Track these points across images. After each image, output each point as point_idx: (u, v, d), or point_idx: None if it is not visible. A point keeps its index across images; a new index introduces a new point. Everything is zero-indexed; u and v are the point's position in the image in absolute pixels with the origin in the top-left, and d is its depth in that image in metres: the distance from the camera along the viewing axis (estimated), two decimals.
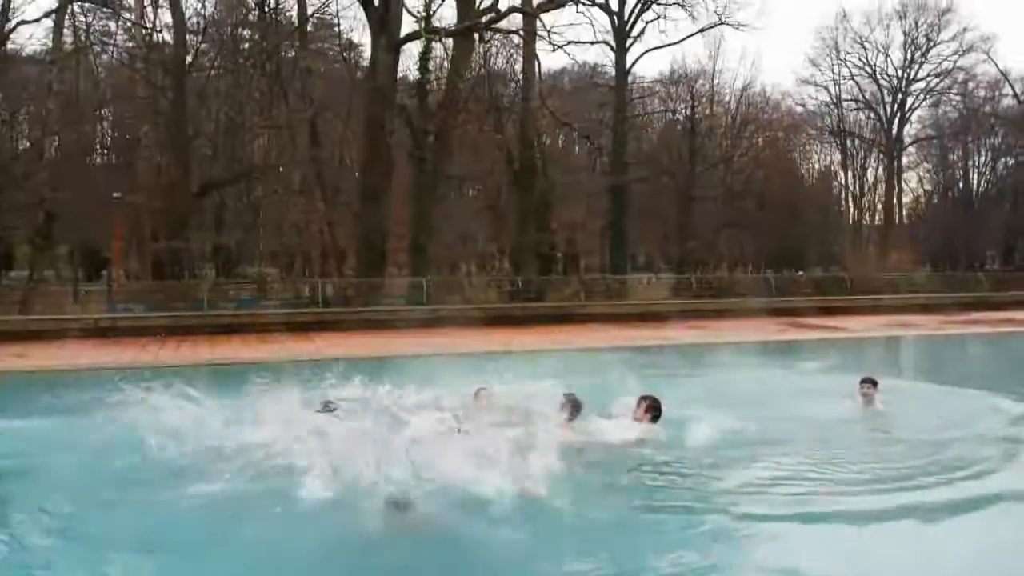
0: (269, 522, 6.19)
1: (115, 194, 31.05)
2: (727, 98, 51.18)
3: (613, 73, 42.01)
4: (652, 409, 8.56)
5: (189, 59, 32.31)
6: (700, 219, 46.26)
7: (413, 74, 34.99)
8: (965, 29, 52.87)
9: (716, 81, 49.45)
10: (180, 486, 6.77)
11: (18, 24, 29.72)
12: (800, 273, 42.68)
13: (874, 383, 9.47)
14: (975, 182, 60.27)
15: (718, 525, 6.24)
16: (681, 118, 48.42)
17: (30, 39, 36.86)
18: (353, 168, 41.42)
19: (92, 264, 43.64)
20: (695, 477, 7.44)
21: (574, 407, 8.57)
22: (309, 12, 35.23)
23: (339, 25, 40.97)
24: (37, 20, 30.32)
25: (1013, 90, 54.66)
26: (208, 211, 38.21)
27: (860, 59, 55.47)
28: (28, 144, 34.37)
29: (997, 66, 54.28)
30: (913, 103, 55.90)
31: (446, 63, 34.68)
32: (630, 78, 41.24)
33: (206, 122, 37.11)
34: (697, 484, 7.27)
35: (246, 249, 41.67)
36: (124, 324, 22.61)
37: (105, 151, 41.91)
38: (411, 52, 35.01)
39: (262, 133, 36.36)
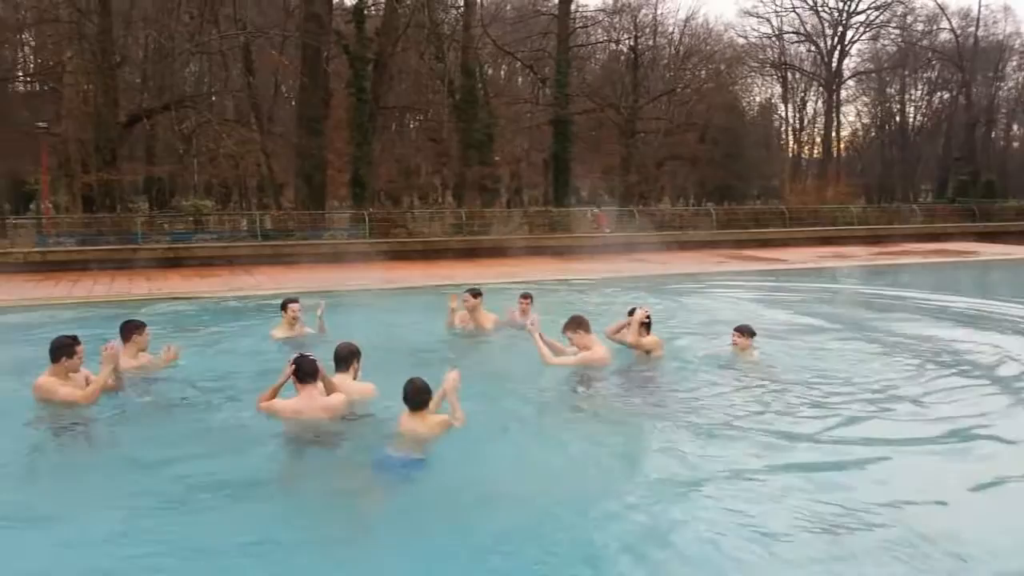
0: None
1: (39, 123, 29.75)
2: (670, 29, 51.04)
3: (556, 1, 41.26)
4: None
5: None
6: (642, 152, 46.29)
7: None
8: None
9: (659, 11, 49.29)
10: None
11: None
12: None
13: (747, 333, 9.01)
14: (911, 116, 61.43)
15: None
16: (624, 49, 48.09)
17: None
18: (289, 97, 40.37)
19: (19, 197, 42.12)
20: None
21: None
22: None
23: None
24: None
25: (950, 23, 55.47)
26: (138, 142, 36.91)
27: None
28: None
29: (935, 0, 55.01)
30: (853, 36, 56.44)
31: None
32: (572, 7, 40.60)
33: (133, 48, 35.60)
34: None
35: (180, 181, 40.53)
36: (56, 258, 21.89)
37: (28, 78, 40.03)
38: None
39: (193, 60, 35.00)
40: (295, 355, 6.59)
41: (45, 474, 5.98)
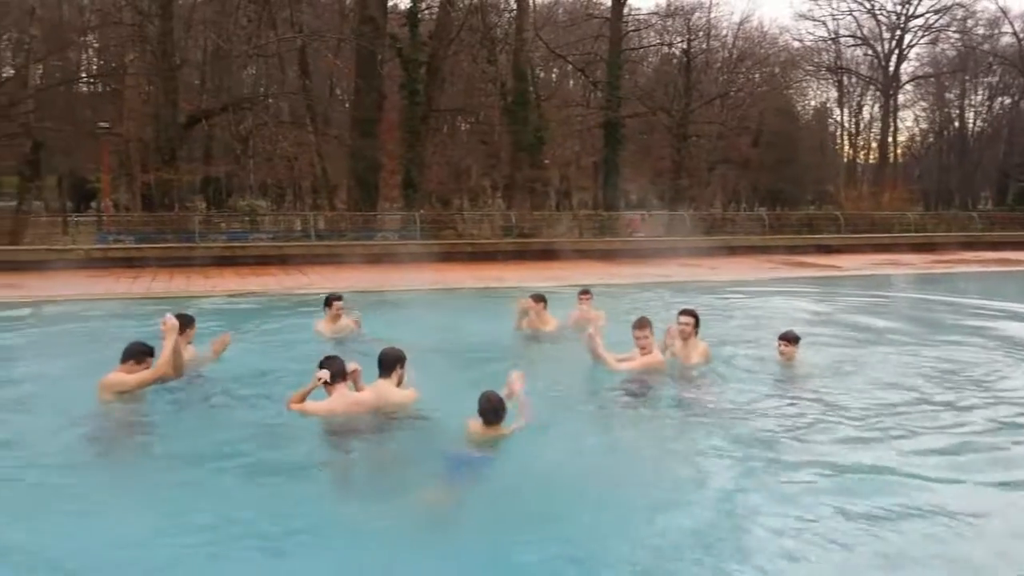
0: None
1: (101, 124, 30.57)
2: (724, 32, 50.62)
3: (609, 4, 41.20)
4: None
5: None
6: (694, 156, 45.97)
7: (404, 3, 34.32)
8: None
9: (712, 15, 48.86)
10: None
11: None
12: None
13: (793, 340, 8.90)
14: (971, 121, 60.03)
15: None
16: (677, 52, 47.79)
17: None
18: (344, 100, 40.87)
19: (80, 195, 43.34)
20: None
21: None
22: None
23: None
24: None
25: (1012, 27, 54.03)
26: (197, 142, 37.67)
27: None
28: (12, 72, 33.66)
29: (997, 2, 53.66)
30: (911, 40, 55.32)
31: None
32: (625, 10, 40.42)
33: (193, 50, 36.34)
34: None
35: (236, 181, 41.28)
36: (116, 255, 22.46)
37: (91, 80, 41.15)
38: None
39: (250, 62, 35.63)
40: (322, 360, 6.72)
41: (96, 465, 6.13)
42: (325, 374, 6.53)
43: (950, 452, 6.41)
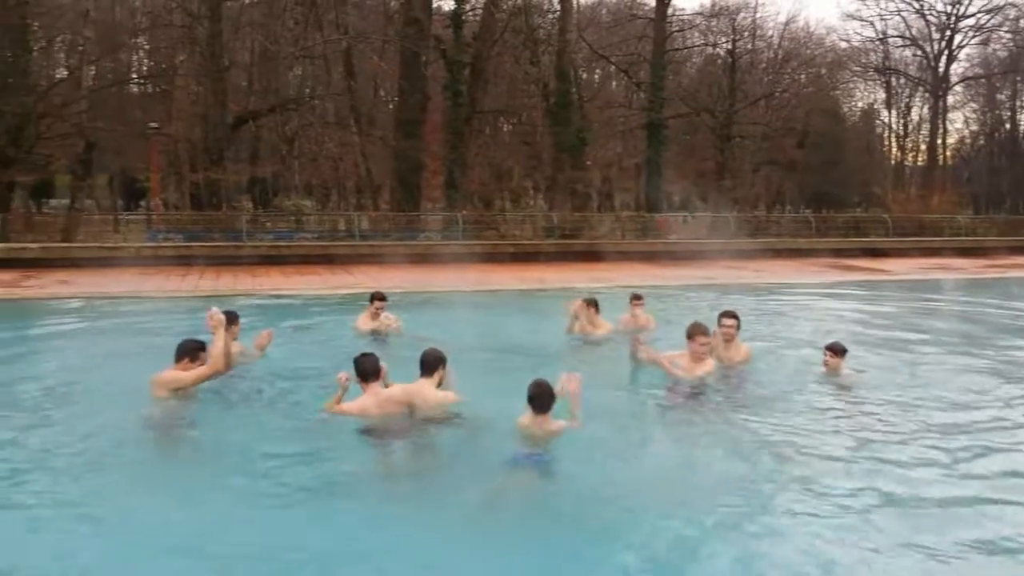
0: None
1: (151, 124, 31.13)
2: (769, 32, 50.05)
3: (653, 5, 40.97)
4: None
5: None
6: (738, 157, 45.57)
7: (449, 4, 34.43)
8: None
9: (758, 15, 48.31)
10: None
11: None
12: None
13: (839, 351, 8.58)
14: (1023, 123, 58.64)
15: None
16: (722, 53, 47.39)
17: None
18: (388, 101, 41.17)
19: (131, 194, 44.18)
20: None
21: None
22: None
23: None
24: None
25: None
26: (244, 142, 38.18)
27: None
28: (65, 73, 34.39)
29: None
30: (961, 40, 54.12)
31: None
32: (670, 11, 40.10)
33: (241, 52, 36.84)
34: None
35: (282, 181, 41.80)
36: (165, 253, 22.86)
37: (142, 81, 41.92)
38: None
39: (297, 64, 36.04)
40: (356, 357, 6.79)
41: (134, 463, 6.15)
42: (343, 375, 6.63)
43: None
